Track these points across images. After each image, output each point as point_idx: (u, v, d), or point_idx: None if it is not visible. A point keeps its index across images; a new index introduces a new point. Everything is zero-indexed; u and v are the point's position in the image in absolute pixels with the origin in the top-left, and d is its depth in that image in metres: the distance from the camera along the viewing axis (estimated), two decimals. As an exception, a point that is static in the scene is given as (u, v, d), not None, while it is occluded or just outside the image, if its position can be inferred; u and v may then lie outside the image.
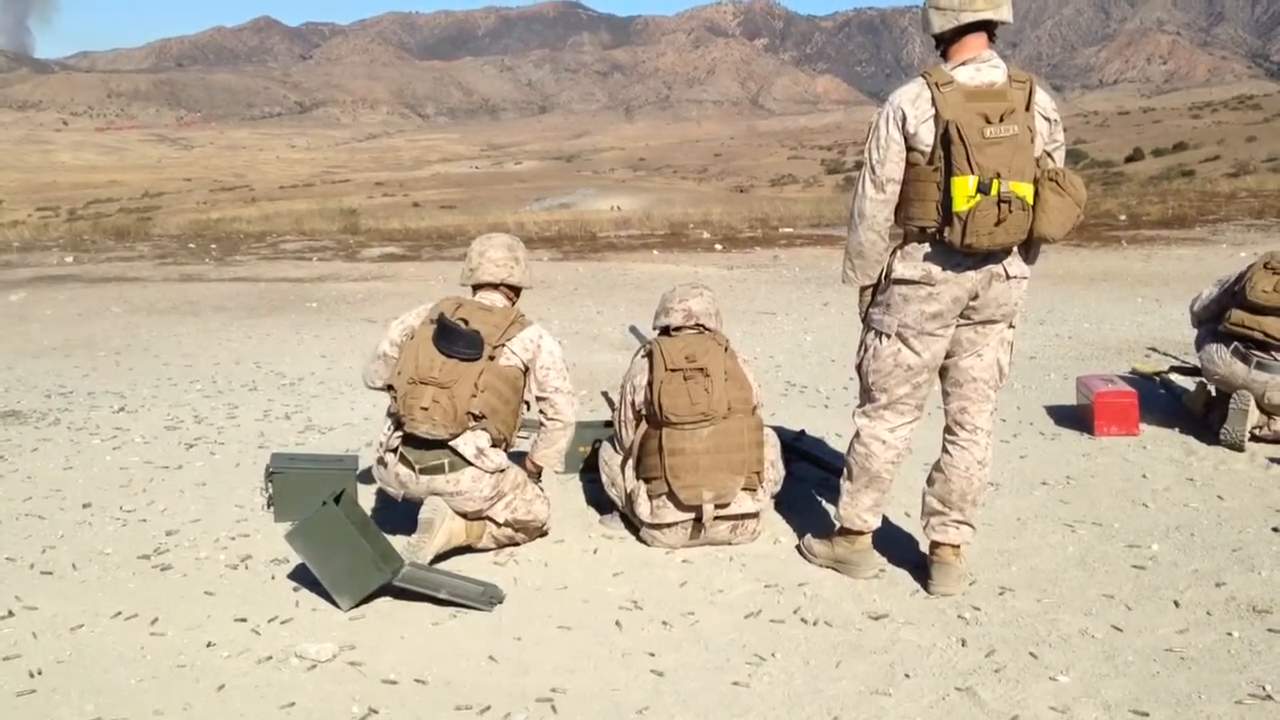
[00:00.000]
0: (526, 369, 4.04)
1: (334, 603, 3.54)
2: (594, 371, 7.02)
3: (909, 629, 3.40)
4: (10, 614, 3.50)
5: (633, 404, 4.21)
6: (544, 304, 10.00)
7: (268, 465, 4.53)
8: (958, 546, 3.70)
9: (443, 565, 3.87)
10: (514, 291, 4.21)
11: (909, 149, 3.44)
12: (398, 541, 3.85)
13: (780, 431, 4.76)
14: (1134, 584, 3.69)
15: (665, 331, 4.30)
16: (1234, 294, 5.29)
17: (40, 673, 3.12)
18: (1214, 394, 5.42)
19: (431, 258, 14.75)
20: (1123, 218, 17.06)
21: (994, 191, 3.29)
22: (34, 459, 5.30)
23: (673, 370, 4.10)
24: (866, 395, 3.74)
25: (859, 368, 3.75)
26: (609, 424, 4.68)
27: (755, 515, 4.12)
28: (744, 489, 4.07)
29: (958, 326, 3.58)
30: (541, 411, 4.10)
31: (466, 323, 3.97)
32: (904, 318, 3.55)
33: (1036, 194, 3.36)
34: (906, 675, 3.11)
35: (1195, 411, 5.53)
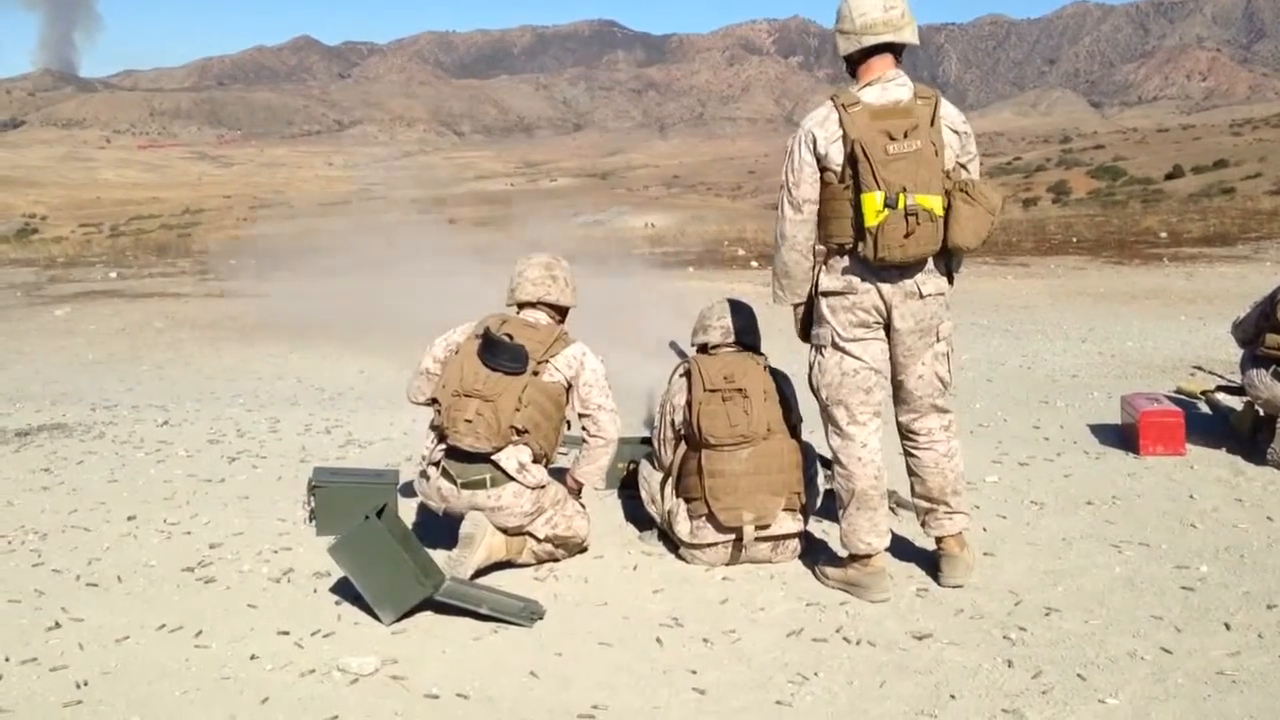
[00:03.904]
0: (569, 386, 4.04)
1: (376, 617, 3.55)
2: (631, 385, 7.00)
3: (953, 649, 3.36)
4: (57, 625, 3.54)
5: (672, 423, 4.18)
6: (579, 318, 10.00)
7: (310, 479, 4.56)
8: (958, 535, 3.79)
9: (483, 580, 3.87)
10: (558, 310, 4.22)
11: (822, 170, 3.58)
12: (438, 556, 3.86)
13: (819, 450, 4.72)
14: (1183, 606, 3.63)
15: (703, 349, 4.28)
16: (1267, 316, 5.20)
17: (86, 684, 3.15)
18: (1261, 414, 5.33)
19: (467, 274, 14.83)
20: (1164, 235, 16.90)
21: (900, 205, 3.42)
22: (79, 471, 5.37)
23: (711, 391, 4.06)
24: (826, 415, 3.83)
25: (812, 389, 3.85)
26: (647, 441, 4.66)
27: (796, 535, 4.09)
28: (784, 509, 4.04)
29: (891, 344, 3.70)
30: (584, 428, 4.10)
31: (511, 338, 3.99)
32: (836, 326, 3.69)
33: (949, 205, 3.48)
34: (952, 696, 3.07)
35: (1242, 432, 5.44)
